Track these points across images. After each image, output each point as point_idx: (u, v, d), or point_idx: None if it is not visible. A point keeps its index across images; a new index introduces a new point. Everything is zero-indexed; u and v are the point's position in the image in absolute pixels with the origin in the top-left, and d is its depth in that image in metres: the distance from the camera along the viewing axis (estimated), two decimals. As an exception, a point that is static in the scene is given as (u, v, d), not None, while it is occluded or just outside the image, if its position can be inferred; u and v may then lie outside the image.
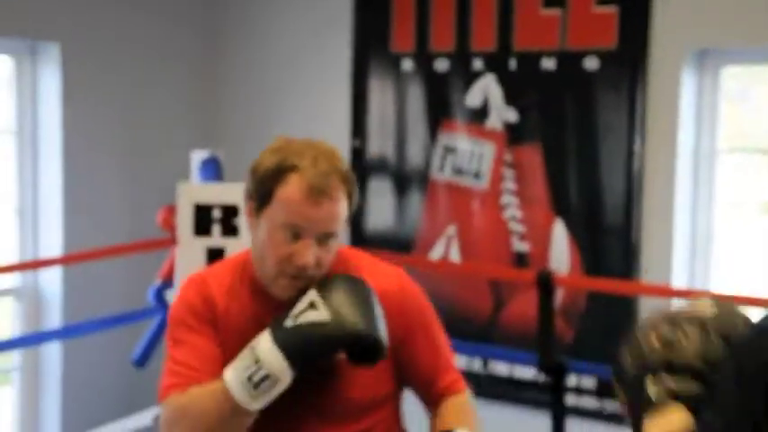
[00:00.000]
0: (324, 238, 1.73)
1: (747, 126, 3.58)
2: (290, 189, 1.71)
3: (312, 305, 1.68)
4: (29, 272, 3.86)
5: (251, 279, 1.80)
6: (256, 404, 1.66)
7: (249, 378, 1.66)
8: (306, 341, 1.66)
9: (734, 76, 3.43)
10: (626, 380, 1.29)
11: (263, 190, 1.74)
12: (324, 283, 1.71)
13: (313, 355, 1.67)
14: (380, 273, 1.85)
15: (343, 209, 1.75)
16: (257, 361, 1.66)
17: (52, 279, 3.87)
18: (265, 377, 1.65)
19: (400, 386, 1.88)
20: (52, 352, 3.89)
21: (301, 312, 1.68)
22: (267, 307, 1.77)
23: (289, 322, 1.68)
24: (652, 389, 1.21)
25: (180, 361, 1.77)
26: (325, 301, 1.68)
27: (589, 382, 3.49)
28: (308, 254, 1.71)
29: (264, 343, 1.67)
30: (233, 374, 1.68)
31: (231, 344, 1.75)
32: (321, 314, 1.66)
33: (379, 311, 1.71)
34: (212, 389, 1.70)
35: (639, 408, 1.25)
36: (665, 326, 1.26)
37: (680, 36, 3.28)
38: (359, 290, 1.71)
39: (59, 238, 3.83)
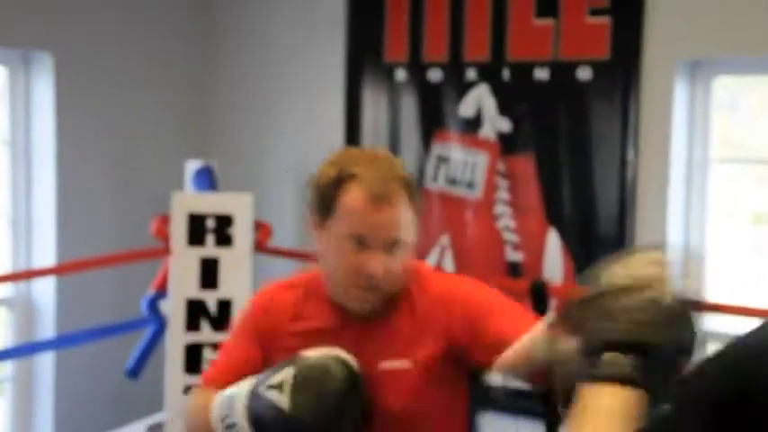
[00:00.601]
0: (390, 246, 1.72)
1: (739, 136, 3.60)
2: (352, 198, 1.70)
3: (280, 386, 1.66)
4: (22, 282, 3.85)
5: (321, 292, 1.80)
6: None
7: (222, 419, 1.70)
8: (263, 417, 1.66)
9: (725, 87, 3.45)
10: (584, 346, 1.21)
11: (325, 202, 1.73)
12: (304, 365, 1.67)
13: (269, 429, 1.67)
14: (441, 280, 1.82)
15: (406, 215, 1.73)
16: (231, 408, 1.69)
17: (45, 289, 3.86)
18: (233, 425, 1.69)
19: (458, 397, 1.83)
20: (45, 362, 3.88)
21: (271, 387, 1.67)
22: (339, 319, 1.77)
23: (260, 389, 1.68)
24: (611, 365, 1.15)
25: (222, 355, 1.87)
26: (292, 388, 1.64)
27: (583, 391, 3.49)
28: (376, 263, 1.70)
29: (240, 398, 1.69)
30: (219, 404, 1.71)
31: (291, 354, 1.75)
32: (281, 400, 1.64)
33: (347, 408, 1.66)
34: (207, 403, 1.74)
35: (578, 376, 1.19)
36: (643, 304, 1.19)
37: (672, 46, 3.30)
38: (332, 382, 1.65)
39: (52, 248, 3.82)
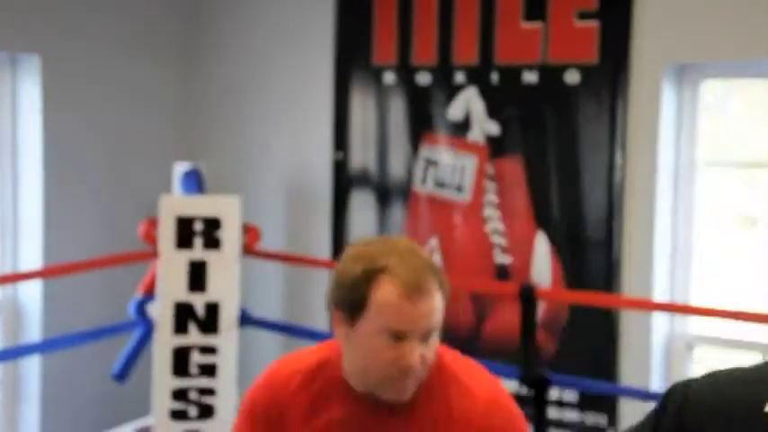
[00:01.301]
0: (426, 336, 1.69)
1: (726, 139, 3.61)
2: (386, 292, 1.66)
3: None
4: (8, 285, 3.83)
5: (339, 381, 1.76)
6: None
7: None
8: None
9: (712, 90, 3.46)
10: None
11: (355, 298, 1.68)
12: None
13: None
14: (469, 391, 1.77)
15: (439, 302, 1.70)
16: None
17: (32, 292, 3.85)
18: None
19: None
20: (32, 366, 3.86)
21: None
22: (362, 408, 1.74)
23: None
24: None
25: None
26: None
27: (571, 395, 3.49)
28: (414, 356, 1.67)
29: None
30: None
31: None
32: None
33: None
34: None
35: None
36: None
37: (660, 50, 3.31)
38: None
39: (39, 251, 3.81)
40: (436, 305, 1.69)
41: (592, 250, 3.42)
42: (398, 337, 1.67)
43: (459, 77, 3.67)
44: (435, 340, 1.72)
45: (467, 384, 1.77)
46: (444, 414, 1.75)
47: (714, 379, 1.42)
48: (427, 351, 1.70)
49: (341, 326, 1.72)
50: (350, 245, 1.79)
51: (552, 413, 3.45)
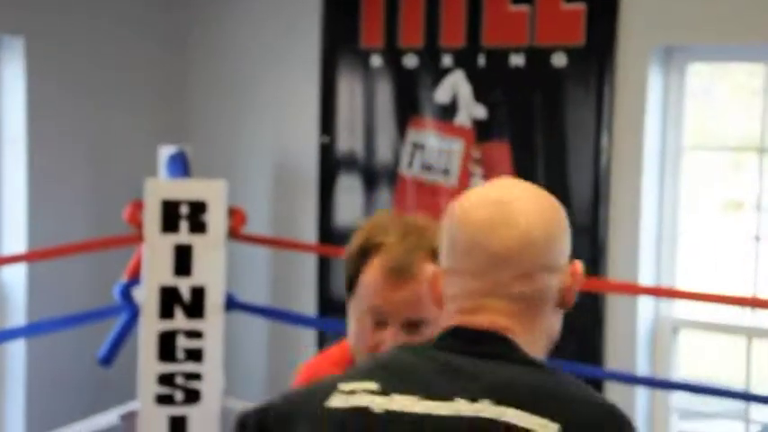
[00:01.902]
0: (411, 326, 1.56)
1: (712, 123, 3.62)
2: (372, 271, 1.57)
3: None
4: (-8, 269, 3.82)
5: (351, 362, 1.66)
6: None
7: None
8: None
9: (699, 74, 3.46)
10: None
11: (350, 274, 1.61)
12: None
13: None
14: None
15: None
16: None
17: (16, 276, 3.83)
18: None
19: None
20: (16, 350, 3.85)
21: None
22: None
23: None
24: None
25: None
26: None
27: (557, 378, 3.50)
28: (388, 341, 1.54)
29: None
30: None
31: None
32: None
33: None
34: None
35: None
36: None
37: (646, 33, 3.30)
38: None
39: (23, 235, 3.79)
40: (422, 292, 1.52)
41: (577, 234, 3.42)
42: (381, 320, 1.57)
43: (447, 60, 3.65)
44: (428, 331, 1.55)
45: None
46: None
47: (288, 393, 1.41)
48: (412, 340, 1.55)
49: (347, 301, 1.65)
50: (375, 215, 1.72)
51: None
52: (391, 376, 1.31)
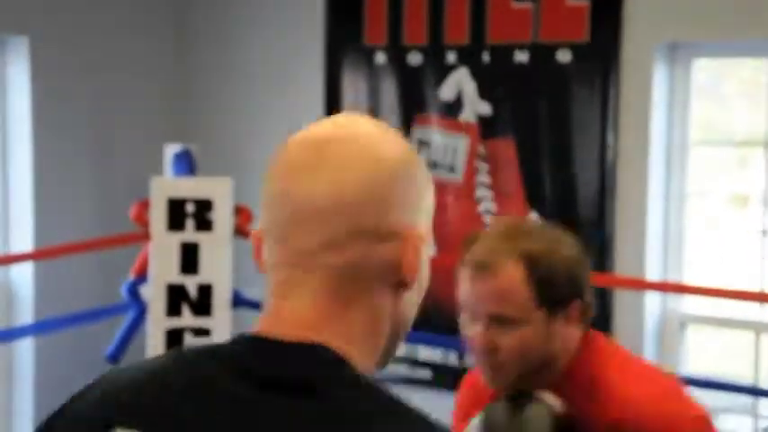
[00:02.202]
0: (495, 322, 1.56)
1: (718, 119, 3.61)
2: (462, 268, 1.62)
3: None
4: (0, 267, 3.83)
5: None
6: None
7: None
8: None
9: (704, 69, 3.46)
10: None
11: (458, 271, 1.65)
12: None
13: None
14: (619, 393, 1.55)
15: (518, 288, 1.55)
16: None
17: (23, 275, 3.84)
18: None
19: None
20: (24, 348, 3.86)
21: None
22: (481, 398, 1.68)
23: None
24: None
25: None
26: None
27: (563, 373, 3.50)
28: (476, 338, 1.58)
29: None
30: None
31: None
32: None
33: None
34: None
35: None
36: None
37: (651, 29, 3.30)
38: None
39: (30, 234, 3.79)
40: (502, 287, 1.55)
41: (584, 230, 3.42)
42: (470, 318, 1.61)
43: (451, 57, 3.65)
44: (523, 333, 1.56)
45: (617, 384, 1.57)
46: (582, 417, 1.57)
47: (81, 401, 1.11)
48: (505, 341, 1.56)
49: None
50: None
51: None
52: (161, 420, 0.99)
